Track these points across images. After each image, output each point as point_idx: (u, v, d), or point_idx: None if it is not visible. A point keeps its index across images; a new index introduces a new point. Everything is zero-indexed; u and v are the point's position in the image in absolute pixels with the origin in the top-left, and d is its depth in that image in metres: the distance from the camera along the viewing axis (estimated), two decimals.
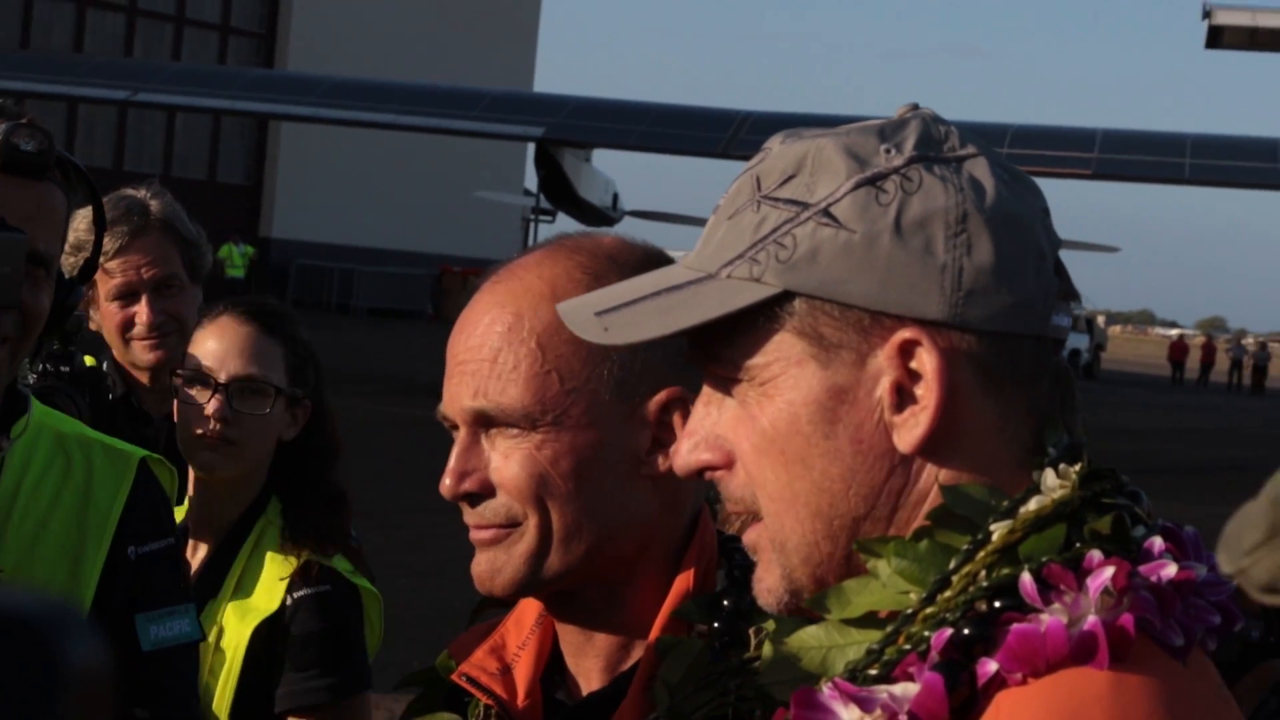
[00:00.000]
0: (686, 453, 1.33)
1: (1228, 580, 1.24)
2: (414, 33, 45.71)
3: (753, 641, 1.57)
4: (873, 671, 1.20)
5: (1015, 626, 1.16)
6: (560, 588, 1.63)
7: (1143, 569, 1.18)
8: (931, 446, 1.23)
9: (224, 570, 3.08)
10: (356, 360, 27.13)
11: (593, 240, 1.68)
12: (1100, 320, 59.83)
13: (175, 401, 3.13)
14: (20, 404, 2.29)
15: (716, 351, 1.29)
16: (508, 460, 1.61)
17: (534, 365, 1.60)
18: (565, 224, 39.58)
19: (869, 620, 1.24)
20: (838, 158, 1.26)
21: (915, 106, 1.31)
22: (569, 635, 1.68)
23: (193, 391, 3.08)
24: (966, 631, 1.17)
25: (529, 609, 1.72)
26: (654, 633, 1.62)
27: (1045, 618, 1.16)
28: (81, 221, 3.28)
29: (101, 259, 3.48)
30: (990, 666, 1.16)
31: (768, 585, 1.30)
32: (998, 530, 1.21)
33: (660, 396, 1.62)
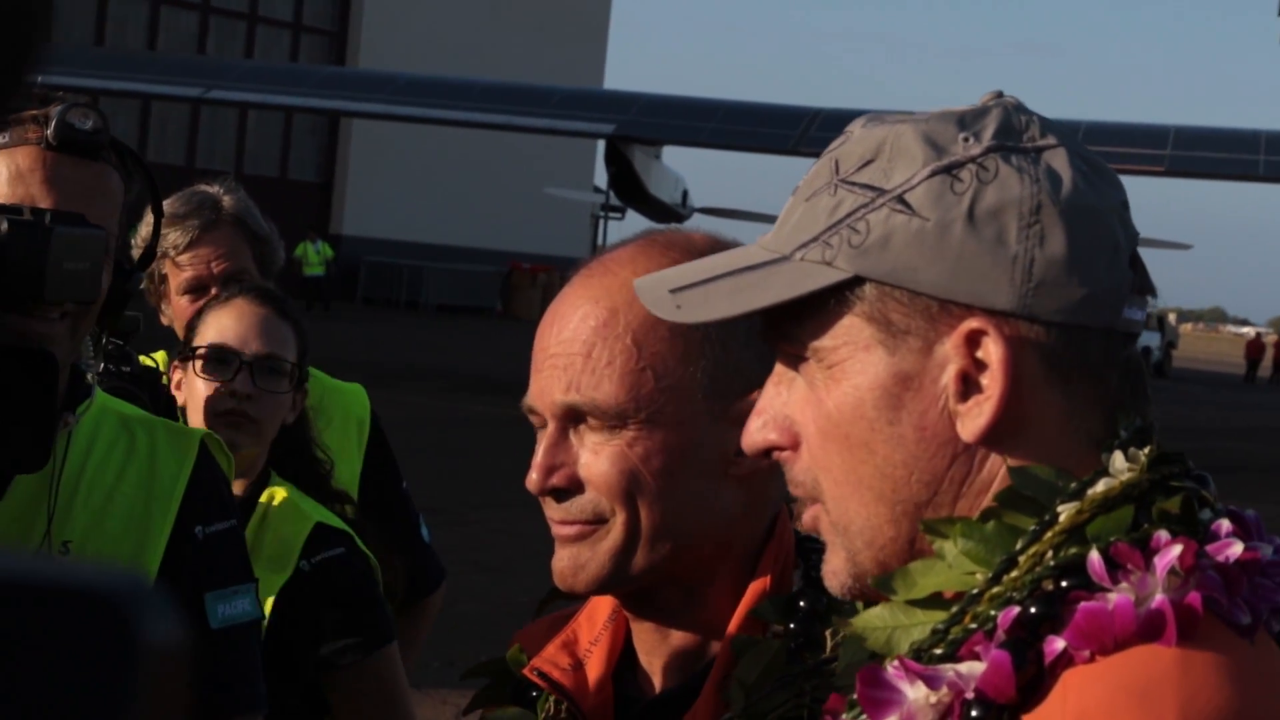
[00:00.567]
0: (755, 431, 1.33)
1: None
2: (484, 30, 45.75)
3: (828, 644, 1.56)
4: (938, 651, 1.20)
5: (1083, 605, 1.16)
6: (640, 586, 1.62)
7: (1209, 549, 1.18)
8: (995, 436, 1.23)
9: None
10: (425, 357, 27.22)
11: (684, 237, 1.66)
12: (1172, 318, 59.33)
13: (180, 384, 3.13)
14: (84, 386, 2.33)
15: (788, 330, 1.30)
16: (598, 456, 1.59)
17: (629, 361, 1.58)
18: (634, 221, 39.51)
19: (934, 601, 1.24)
20: (915, 145, 1.25)
21: (999, 94, 1.31)
22: (644, 633, 1.67)
23: (213, 373, 3.10)
24: (1034, 610, 1.17)
25: (602, 605, 1.71)
26: (730, 632, 1.61)
27: (1113, 596, 1.16)
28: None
29: (173, 253, 3.52)
30: (1058, 644, 1.16)
31: (833, 568, 1.30)
32: (1065, 511, 1.20)
33: (750, 398, 1.62)
